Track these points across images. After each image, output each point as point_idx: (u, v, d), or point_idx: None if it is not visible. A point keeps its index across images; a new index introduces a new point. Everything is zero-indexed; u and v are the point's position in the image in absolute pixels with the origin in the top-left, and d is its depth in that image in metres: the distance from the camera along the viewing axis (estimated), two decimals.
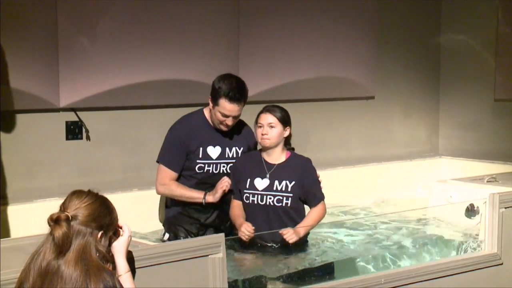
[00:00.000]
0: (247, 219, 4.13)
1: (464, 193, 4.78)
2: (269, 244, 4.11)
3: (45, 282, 2.53)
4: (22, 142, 4.58)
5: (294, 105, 5.76)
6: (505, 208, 4.36)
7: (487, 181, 4.88)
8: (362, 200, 5.83)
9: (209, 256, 3.26)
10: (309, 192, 4.13)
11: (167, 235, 4.42)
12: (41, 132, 4.65)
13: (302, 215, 4.16)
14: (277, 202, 4.11)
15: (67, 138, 4.76)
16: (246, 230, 4.00)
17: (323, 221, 4.37)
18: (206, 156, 4.30)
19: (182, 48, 5.11)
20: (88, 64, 4.74)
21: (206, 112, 4.33)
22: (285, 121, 4.13)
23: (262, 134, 4.11)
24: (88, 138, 4.82)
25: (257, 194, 4.14)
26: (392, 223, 4.96)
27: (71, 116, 4.76)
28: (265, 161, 4.18)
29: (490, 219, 4.35)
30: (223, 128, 4.24)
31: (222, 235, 3.39)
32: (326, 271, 4.05)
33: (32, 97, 4.55)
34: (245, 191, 4.16)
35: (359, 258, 4.22)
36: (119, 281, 2.62)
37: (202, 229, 4.37)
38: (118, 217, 2.73)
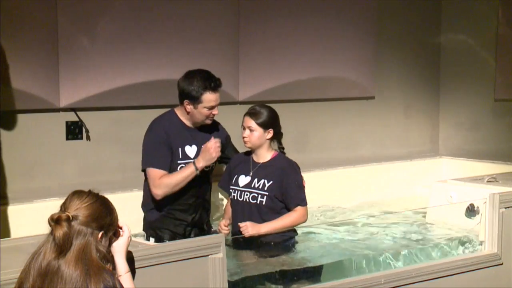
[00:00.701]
0: (232, 214, 4.28)
1: (464, 193, 4.78)
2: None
3: (45, 282, 2.54)
4: (22, 142, 4.58)
5: (294, 105, 5.78)
6: (505, 208, 4.36)
7: (487, 181, 4.88)
8: (362, 200, 5.83)
9: (209, 256, 3.26)
10: (286, 194, 4.15)
11: (152, 240, 4.32)
12: (41, 132, 4.65)
13: (278, 216, 4.15)
14: (252, 199, 4.18)
15: (67, 138, 4.76)
16: (219, 228, 4.20)
17: (322, 221, 4.38)
18: (185, 156, 4.31)
19: (182, 48, 5.11)
20: (88, 64, 4.74)
21: (178, 112, 4.34)
22: (266, 124, 4.18)
23: (243, 137, 4.22)
24: (88, 138, 4.82)
25: (238, 190, 4.24)
26: (392, 223, 4.96)
27: (71, 116, 4.77)
28: (252, 160, 4.26)
29: (490, 219, 4.35)
30: (209, 121, 4.29)
31: (222, 235, 3.39)
32: (326, 271, 4.06)
33: (32, 97, 4.55)
34: (231, 186, 4.29)
35: (358, 258, 4.22)
36: (119, 281, 2.62)
37: (188, 230, 4.36)
38: (118, 217, 2.73)
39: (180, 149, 4.30)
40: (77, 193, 2.65)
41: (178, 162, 4.29)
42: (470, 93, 6.47)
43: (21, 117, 4.56)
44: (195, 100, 4.19)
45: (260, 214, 4.14)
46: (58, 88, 4.65)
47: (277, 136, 4.25)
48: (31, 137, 4.61)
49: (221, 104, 5.31)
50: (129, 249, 2.82)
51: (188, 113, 4.26)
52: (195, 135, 4.34)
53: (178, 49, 5.09)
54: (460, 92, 6.54)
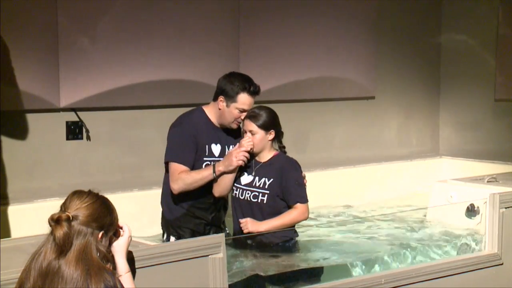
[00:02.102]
0: (233, 212, 4.26)
1: (465, 193, 4.78)
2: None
3: (46, 282, 2.53)
4: (22, 142, 4.58)
5: (294, 105, 5.78)
6: (506, 208, 4.36)
7: (488, 181, 4.87)
8: (362, 200, 5.83)
9: (209, 256, 3.26)
10: (286, 191, 4.12)
11: (172, 238, 4.34)
12: (41, 132, 4.65)
13: (278, 214, 4.14)
14: (253, 198, 4.16)
15: (67, 138, 4.76)
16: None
17: (322, 221, 4.38)
18: (211, 153, 4.30)
19: (182, 48, 5.11)
20: (88, 64, 4.74)
21: (207, 110, 4.32)
22: (267, 126, 4.15)
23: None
24: (88, 138, 4.82)
25: (240, 188, 4.22)
26: (392, 223, 4.96)
27: (72, 116, 4.77)
28: (255, 159, 4.23)
29: (491, 219, 4.35)
30: (234, 126, 4.27)
31: (222, 235, 3.39)
32: (327, 271, 4.06)
33: (32, 97, 4.55)
34: (234, 184, 4.25)
35: (358, 258, 4.22)
36: (119, 281, 2.62)
37: (207, 228, 4.36)
38: (118, 217, 2.73)
39: (207, 146, 4.29)
40: (77, 193, 2.65)
41: (204, 159, 4.28)
42: (470, 93, 6.47)
43: (21, 117, 4.56)
44: (231, 98, 4.19)
45: (262, 212, 4.12)
46: (58, 88, 4.65)
47: (278, 136, 4.24)
48: (31, 137, 4.61)
49: None
50: (129, 249, 2.82)
51: (219, 109, 4.24)
52: (221, 135, 4.33)
53: (178, 49, 5.09)
54: (460, 92, 6.54)
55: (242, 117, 4.20)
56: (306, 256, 4.18)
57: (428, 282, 4.09)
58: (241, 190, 4.21)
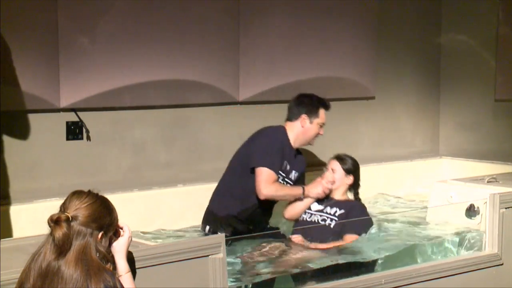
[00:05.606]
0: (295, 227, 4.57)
1: (465, 194, 4.77)
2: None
3: (46, 282, 2.54)
4: (22, 142, 4.57)
5: None
6: (506, 208, 4.36)
7: (488, 182, 4.87)
8: (362, 200, 5.82)
9: (210, 256, 3.26)
10: (347, 223, 4.39)
11: (208, 227, 4.60)
12: (41, 132, 4.65)
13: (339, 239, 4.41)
14: (321, 221, 4.45)
15: (67, 139, 4.75)
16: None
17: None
18: (285, 170, 4.58)
19: (182, 48, 5.10)
20: (88, 64, 4.73)
21: (288, 129, 4.63)
22: (349, 170, 4.55)
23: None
24: (88, 138, 4.82)
25: (309, 213, 4.53)
26: (391, 224, 4.96)
27: (72, 116, 4.76)
28: (329, 195, 4.56)
29: (491, 219, 4.35)
30: (312, 143, 4.72)
31: (222, 235, 3.39)
32: (327, 271, 4.06)
33: (32, 97, 4.54)
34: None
35: (358, 258, 4.22)
36: (119, 281, 2.62)
37: (250, 228, 4.53)
38: (118, 218, 2.73)
39: (285, 162, 4.56)
40: (77, 193, 2.65)
41: (280, 173, 4.54)
42: (470, 93, 6.47)
43: (21, 117, 4.56)
44: (313, 113, 4.63)
45: (325, 234, 4.36)
46: (58, 88, 4.65)
47: (355, 186, 4.59)
48: (31, 137, 4.61)
49: (221, 104, 5.35)
50: (129, 249, 2.82)
51: (301, 127, 4.62)
52: (292, 155, 4.64)
53: (178, 49, 5.09)
54: (460, 92, 6.54)
55: (321, 132, 4.68)
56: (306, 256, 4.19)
57: (428, 282, 4.09)
58: (310, 214, 4.52)
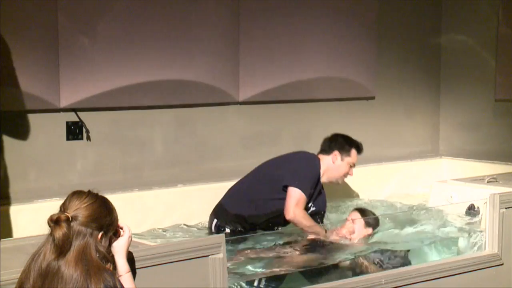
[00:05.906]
0: None
1: (465, 194, 4.78)
2: None
3: (46, 282, 2.54)
4: (22, 142, 4.57)
5: (294, 105, 5.78)
6: (506, 208, 4.36)
7: (488, 182, 4.87)
8: (362, 200, 5.83)
9: (210, 256, 3.26)
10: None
11: (215, 221, 4.66)
12: (41, 133, 4.65)
13: None
14: None
15: (67, 139, 4.75)
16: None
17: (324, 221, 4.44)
18: (312, 199, 4.66)
19: (182, 48, 5.10)
20: (88, 64, 4.73)
21: (322, 162, 4.73)
22: (369, 224, 4.56)
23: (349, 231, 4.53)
24: (88, 138, 4.82)
25: None
26: (391, 224, 4.96)
27: (72, 117, 4.76)
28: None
29: (491, 219, 4.35)
30: (341, 181, 4.85)
31: (222, 235, 3.40)
32: (328, 271, 4.06)
33: (32, 98, 4.54)
34: None
35: (358, 258, 4.22)
36: (119, 281, 2.62)
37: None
38: (118, 218, 2.73)
39: (314, 191, 4.64)
40: (77, 194, 2.65)
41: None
42: (470, 93, 6.47)
43: (21, 117, 4.56)
44: (346, 152, 4.79)
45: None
46: (58, 88, 4.65)
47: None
48: (31, 137, 4.61)
49: (221, 104, 5.35)
50: (130, 249, 2.82)
51: (332, 163, 4.76)
52: (318, 189, 4.71)
53: (178, 49, 5.08)
54: (460, 92, 6.54)
55: (351, 173, 4.82)
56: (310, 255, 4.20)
57: (428, 282, 4.09)
58: None
